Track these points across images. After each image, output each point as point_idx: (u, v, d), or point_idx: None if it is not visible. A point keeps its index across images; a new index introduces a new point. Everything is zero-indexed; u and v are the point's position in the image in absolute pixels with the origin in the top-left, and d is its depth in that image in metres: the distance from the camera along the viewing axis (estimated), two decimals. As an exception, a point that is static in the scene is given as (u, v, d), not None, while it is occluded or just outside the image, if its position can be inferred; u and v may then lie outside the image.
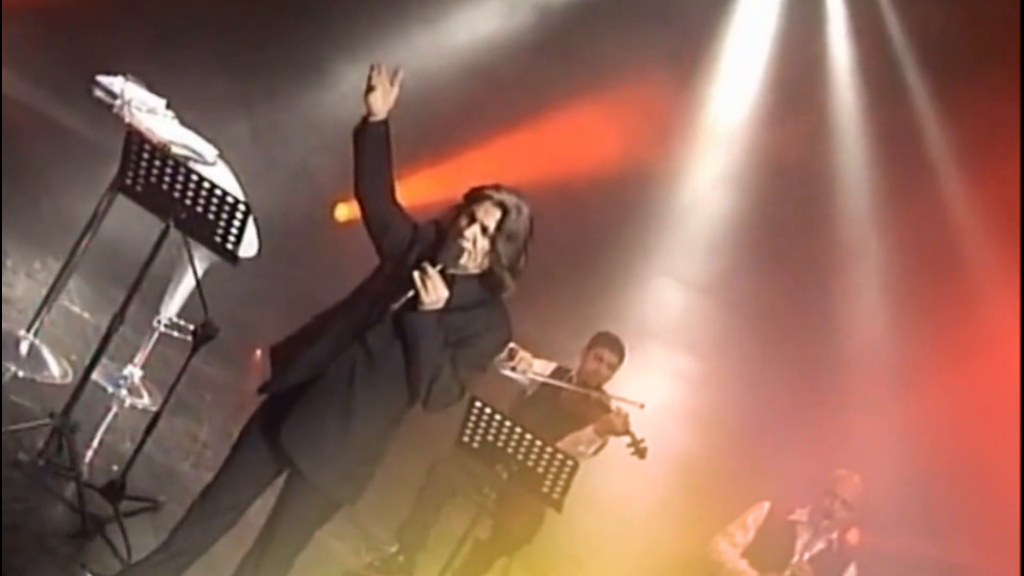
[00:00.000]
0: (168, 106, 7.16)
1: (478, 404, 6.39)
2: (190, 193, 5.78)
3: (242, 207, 5.75)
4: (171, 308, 7.29)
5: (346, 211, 11.05)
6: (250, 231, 7.42)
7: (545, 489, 6.45)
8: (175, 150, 6.40)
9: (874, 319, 9.55)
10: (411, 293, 4.65)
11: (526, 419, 6.61)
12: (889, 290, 9.49)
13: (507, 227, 4.73)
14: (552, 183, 9.60)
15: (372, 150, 4.70)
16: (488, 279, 4.79)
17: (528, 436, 6.34)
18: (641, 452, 7.22)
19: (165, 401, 6.09)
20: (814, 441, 8.65)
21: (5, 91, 8.76)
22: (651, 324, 9.77)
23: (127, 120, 6.71)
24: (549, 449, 6.34)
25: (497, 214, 4.72)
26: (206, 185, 5.76)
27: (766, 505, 7.38)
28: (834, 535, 7.30)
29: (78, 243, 6.87)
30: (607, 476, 7.87)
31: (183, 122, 7.16)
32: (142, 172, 5.83)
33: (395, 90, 4.70)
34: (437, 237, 4.81)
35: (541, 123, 10.38)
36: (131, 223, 6.36)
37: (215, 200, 5.77)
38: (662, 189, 10.15)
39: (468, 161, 10.47)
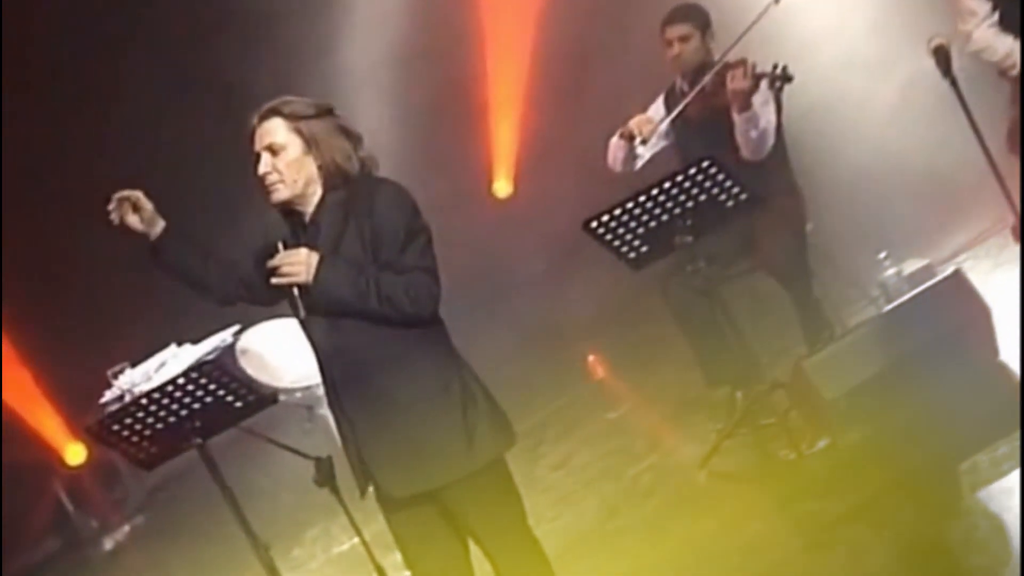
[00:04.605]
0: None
1: (592, 224, 5.37)
2: (175, 406, 4.91)
3: (204, 367, 4.86)
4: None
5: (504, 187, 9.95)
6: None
7: (729, 204, 5.37)
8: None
9: None
10: (295, 291, 4.17)
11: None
12: None
13: (294, 129, 4.15)
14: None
15: (180, 262, 4.45)
16: (328, 184, 4.18)
17: (654, 192, 5.30)
18: (785, 78, 5.82)
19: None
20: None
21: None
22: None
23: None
24: (678, 179, 5.31)
25: (272, 126, 4.17)
26: (172, 388, 4.86)
27: None
28: None
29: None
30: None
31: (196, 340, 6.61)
32: (136, 439, 4.96)
33: (146, 203, 4.40)
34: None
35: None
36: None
37: (196, 386, 4.87)
38: None
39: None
